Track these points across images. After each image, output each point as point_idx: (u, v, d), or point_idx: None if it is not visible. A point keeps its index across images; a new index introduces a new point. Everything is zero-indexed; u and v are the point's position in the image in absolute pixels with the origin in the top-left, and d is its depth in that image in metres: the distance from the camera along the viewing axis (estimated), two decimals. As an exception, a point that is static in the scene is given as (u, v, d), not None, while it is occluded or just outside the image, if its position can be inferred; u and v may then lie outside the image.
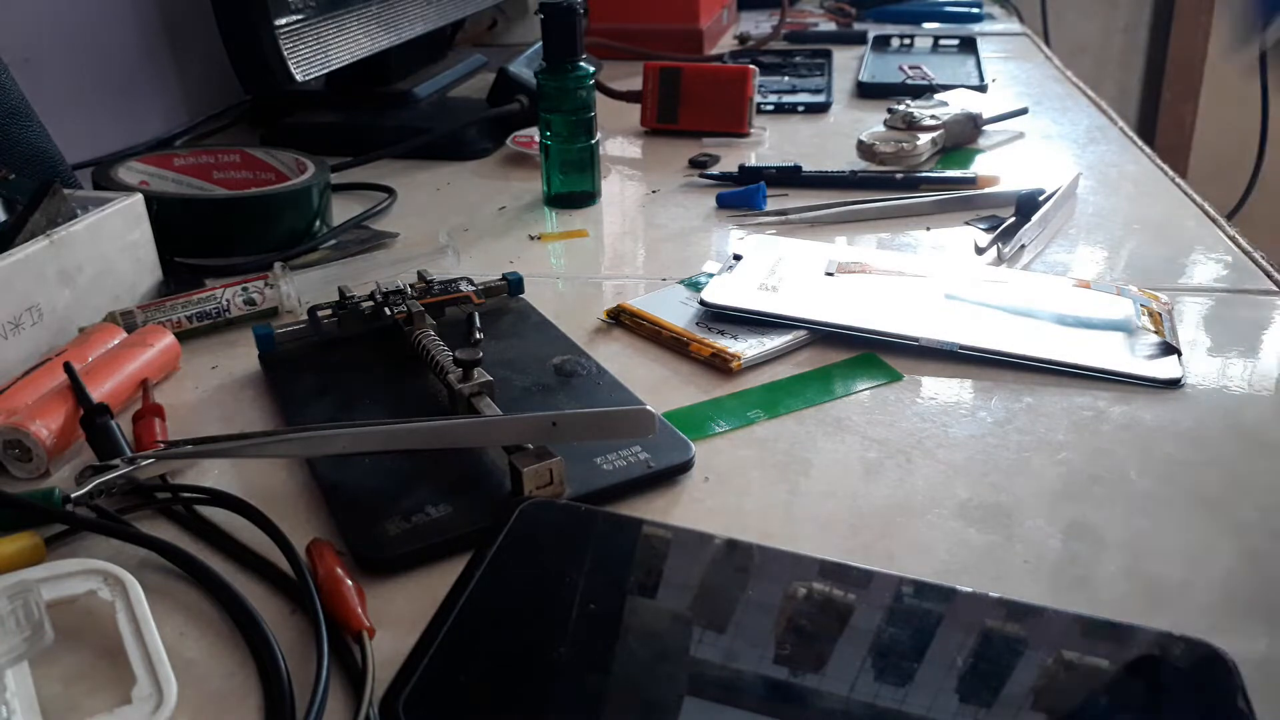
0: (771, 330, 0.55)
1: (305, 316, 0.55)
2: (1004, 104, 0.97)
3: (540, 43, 0.75)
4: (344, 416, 0.48)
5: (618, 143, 0.97)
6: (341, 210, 0.77)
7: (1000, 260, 0.65)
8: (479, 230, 0.75)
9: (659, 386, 0.52)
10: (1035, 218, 0.67)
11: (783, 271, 0.61)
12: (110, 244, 0.58)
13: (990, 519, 0.41)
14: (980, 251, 0.66)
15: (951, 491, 0.43)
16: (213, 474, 0.45)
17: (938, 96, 0.97)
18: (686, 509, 0.42)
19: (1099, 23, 2.28)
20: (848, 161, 0.85)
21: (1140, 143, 0.90)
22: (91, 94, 0.88)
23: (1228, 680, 0.30)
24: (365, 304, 0.56)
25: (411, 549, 0.39)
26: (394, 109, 0.99)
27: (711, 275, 0.62)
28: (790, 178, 0.80)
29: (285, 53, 0.76)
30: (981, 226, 0.71)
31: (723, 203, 0.77)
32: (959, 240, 0.69)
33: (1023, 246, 0.66)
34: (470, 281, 0.59)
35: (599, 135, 0.78)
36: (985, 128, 0.92)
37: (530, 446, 0.42)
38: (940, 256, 0.67)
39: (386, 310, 0.55)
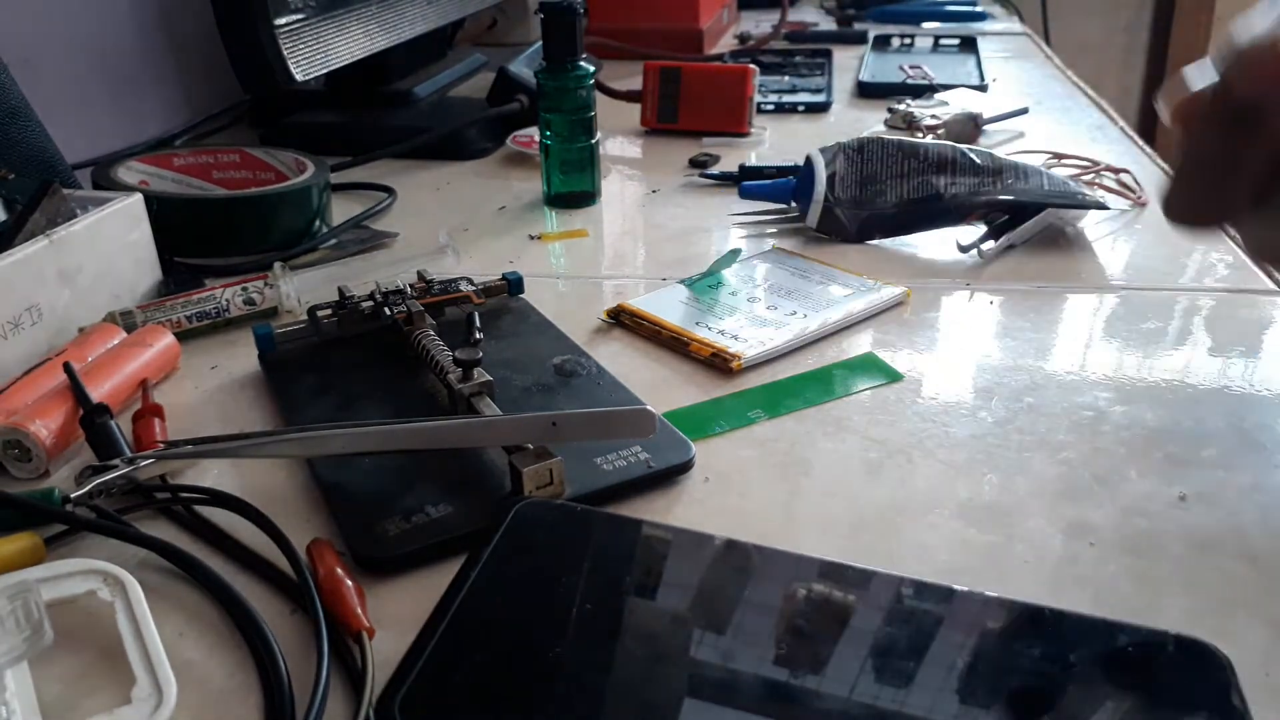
0: (772, 330, 0.55)
1: (305, 316, 0.55)
2: (1005, 104, 0.97)
3: (540, 42, 0.75)
4: (344, 416, 0.48)
5: (618, 143, 0.97)
6: (341, 210, 0.77)
7: (982, 258, 0.65)
8: (479, 230, 0.75)
9: (659, 386, 0.52)
10: (1029, 224, 0.67)
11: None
12: (110, 244, 0.58)
13: (990, 519, 0.41)
14: (964, 250, 0.66)
15: (952, 491, 0.43)
16: (212, 474, 0.45)
17: (938, 96, 0.97)
18: (686, 509, 0.42)
19: (1100, 22, 2.28)
20: (848, 161, 0.85)
21: (1141, 142, 0.90)
22: (91, 94, 0.88)
23: (1222, 677, 0.30)
24: (365, 304, 0.56)
25: (411, 549, 0.39)
26: (394, 109, 0.99)
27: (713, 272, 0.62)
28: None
29: (285, 52, 0.76)
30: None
31: (746, 193, 0.75)
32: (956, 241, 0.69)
33: (1011, 247, 0.66)
34: (470, 281, 0.59)
35: (599, 135, 0.78)
36: (986, 127, 0.92)
37: (530, 446, 0.42)
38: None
39: (386, 310, 0.55)
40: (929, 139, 0.84)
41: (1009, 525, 0.40)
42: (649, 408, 0.42)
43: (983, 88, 1.06)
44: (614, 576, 0.35)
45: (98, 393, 0.47)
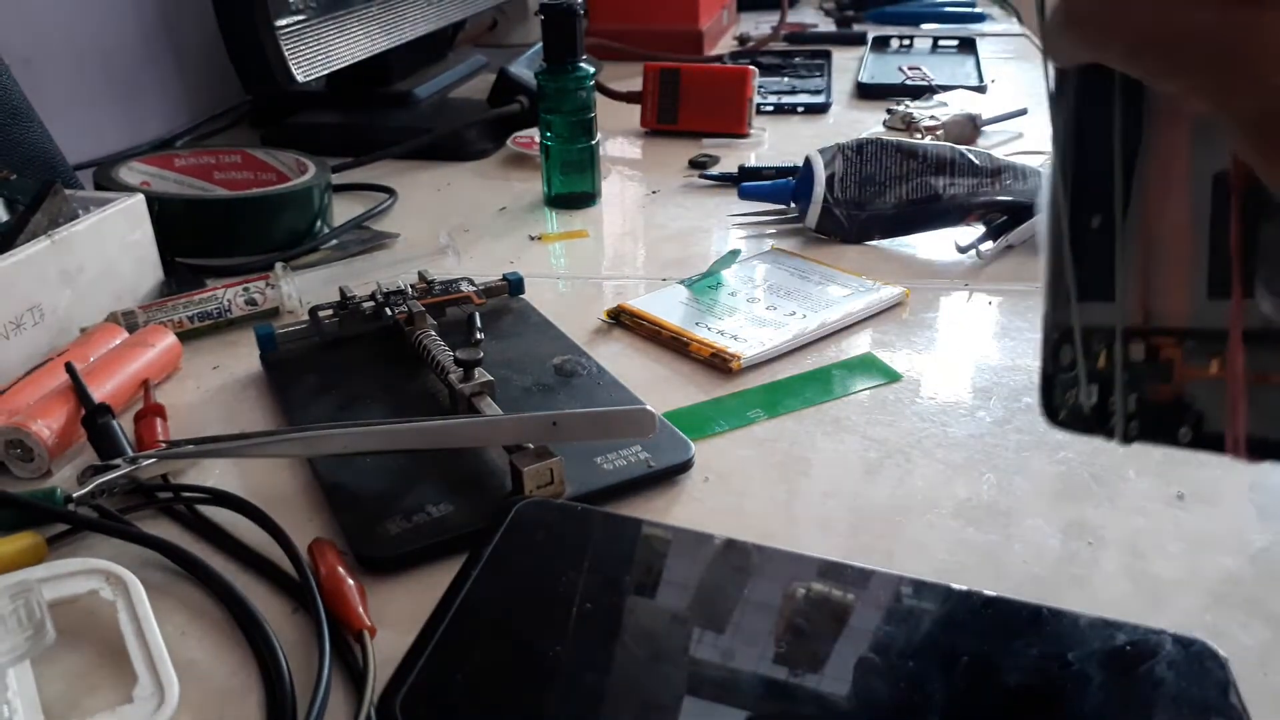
0: (771, 330, 0.55)
1: (306, 317, 0.56)
2: (1003, 104, 0.97)
3: (540, 43, 0.76)
4: (345, 416, 0.48)
5: (618, 143, 0.97)
6: (342, 211, 0.77)
7: (980, 259, 0.65)
8: (479, 230, 0.75)
9: (659, 386, 0.52)
10: (1026, 225, 0.67)
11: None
12: (112, 244, 0.58)
13: (990, 519, 0.41)
14: (962, 250, 0.66)
15: (951, 491, 0.43)
16: (214, 474, 0.45)
17: (937, 97, 0.98)
18: (686, 509, 0.42)
19: (1099, 23, 2.28)
20: (847, 162, 0.85)
21: (1140, 143, 0.90)
22: (92, 94, 0.88)
23: (1220, 676, 0.30)
24: (366, 304, 0.56)
25: (412, 548, 0.39)
26: (394, 109, 0.99)
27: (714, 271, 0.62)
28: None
29: (286, 53, 0.76)
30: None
31: (745, 194, 0.75)
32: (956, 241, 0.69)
33: (1009, 247, 0.66)
34: (471, 282, 0.59)
35: (599, 136, 0.78)
36: (985, 128, 0.92)
37: (531, 446, 0.42)
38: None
39: (387, 310, 0.55)
40: (928, 140, 0.84)
41: (1007, 525, 0.41)
42: (649, 408, 0.43)
43: (982, 89, 1.06)
44: (614, 576, 0.35)
45: (99, 393, 0.48)
